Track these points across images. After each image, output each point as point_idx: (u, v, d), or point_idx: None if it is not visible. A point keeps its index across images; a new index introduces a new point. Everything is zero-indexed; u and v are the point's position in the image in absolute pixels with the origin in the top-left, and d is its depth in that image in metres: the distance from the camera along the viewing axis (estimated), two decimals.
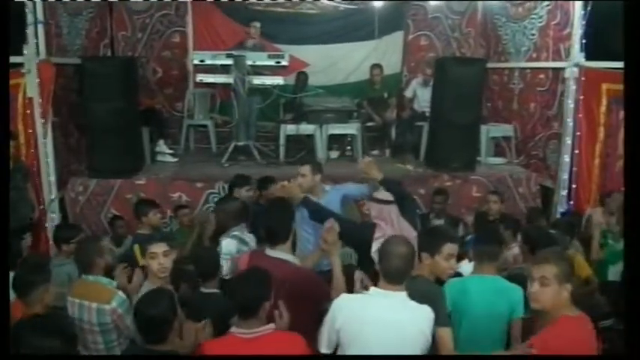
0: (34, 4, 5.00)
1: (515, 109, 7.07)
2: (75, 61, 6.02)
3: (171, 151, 6.83)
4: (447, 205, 5.70)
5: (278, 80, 6.57)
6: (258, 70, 6.55)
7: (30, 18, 4.98)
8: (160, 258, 3.07)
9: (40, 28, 5.10)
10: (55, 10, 5.65)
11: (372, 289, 2.63)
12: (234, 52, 6.45)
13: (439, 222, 5.49)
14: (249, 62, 6.34)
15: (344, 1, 8.34)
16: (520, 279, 3.48)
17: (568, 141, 5.83)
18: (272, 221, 3.18)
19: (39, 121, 5.20)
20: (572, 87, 5.75)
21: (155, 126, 6.84)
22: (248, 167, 6.21)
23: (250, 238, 3.97)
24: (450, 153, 6.22)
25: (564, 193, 5.90)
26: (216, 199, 5.53)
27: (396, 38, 8.46)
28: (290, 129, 6.79)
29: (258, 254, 3.26)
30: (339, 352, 2.61)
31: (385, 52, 8.37)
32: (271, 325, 2.57)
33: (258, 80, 6.48)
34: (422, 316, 2.54)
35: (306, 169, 4.34)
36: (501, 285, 3.24)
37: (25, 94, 5.12)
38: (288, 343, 2.55)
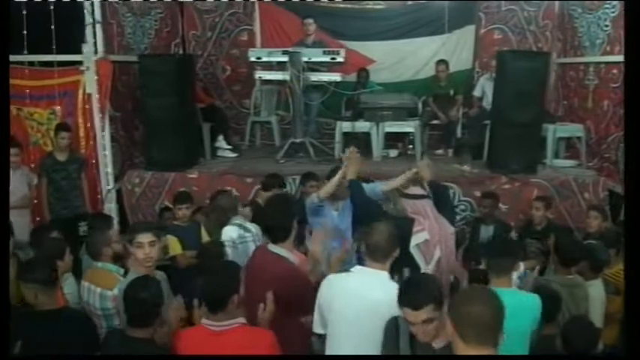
0: (92, 4, 5.31)
1: (589, 108, 6.47)
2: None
3: (230, 147, 6.96)
4: (497, 210, 5.32)
5: (335, 77, 6.52)
6: (316, 67, 6.53)
7: (88, 18, 5.30)
8: (146, 248, 3.13)
9: (99, 28, 5.41)
10: (115, 10, 5.97)
11: (356, 267, 2.78)
12: (289, 49, 6.48)
13: (488, 228, 5.20)
14: (304, 59, 6.33)
15: None
16: (545, 291, 3.23)
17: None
18: (271, 219, 3.11)
19: (97, 116, 5.53)
20: None
21: (217, 122, 7.03)
22: (302, 164, 6.19)
23: (254, 226, 4.04)
24: (509, 153, 5.82)
25: None
26: None
27: (467, 33, 8.06)
28: (345, 126, 6.72)
29: (261, 248, 3.26)
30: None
31: (455, 48, 8.03)
32: (239, 320, 2.57)
33: (314, 77, 6.46)
34: None
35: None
36: (518, 299, 2.93)
37: (85, 91, 5.47)
38: (254, 338, 2.54)
